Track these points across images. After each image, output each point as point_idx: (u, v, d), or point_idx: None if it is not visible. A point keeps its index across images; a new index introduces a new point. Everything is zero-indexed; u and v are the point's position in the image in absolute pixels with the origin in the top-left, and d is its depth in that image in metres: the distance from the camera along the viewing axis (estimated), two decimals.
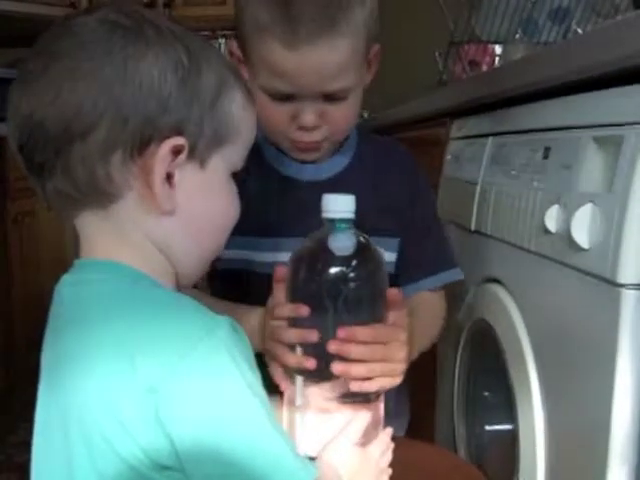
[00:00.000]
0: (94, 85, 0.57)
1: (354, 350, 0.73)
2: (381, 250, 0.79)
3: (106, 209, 0.61)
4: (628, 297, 0.73)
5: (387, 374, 0.76)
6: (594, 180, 0.81)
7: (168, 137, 0.59)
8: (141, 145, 0.59)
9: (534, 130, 1.01)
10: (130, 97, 0.58)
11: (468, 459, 1.22)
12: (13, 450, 2.16)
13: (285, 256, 0.78)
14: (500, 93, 1.13)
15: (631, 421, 0.74)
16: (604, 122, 0.81)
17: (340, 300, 0.72)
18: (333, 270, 0.72)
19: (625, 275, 0.73)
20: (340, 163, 0.96)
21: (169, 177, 0.61)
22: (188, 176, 0.62)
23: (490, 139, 1.17)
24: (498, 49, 1.79)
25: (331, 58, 0.81)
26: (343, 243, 0.73)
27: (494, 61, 1.80)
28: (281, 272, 0.77)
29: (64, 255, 2.92)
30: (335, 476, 0.66)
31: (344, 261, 0.73)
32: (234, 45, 0.90)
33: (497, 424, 1.18)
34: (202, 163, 0.62)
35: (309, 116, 0.84)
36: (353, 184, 0.87)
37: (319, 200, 0.75)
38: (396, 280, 0.95)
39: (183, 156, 0.60)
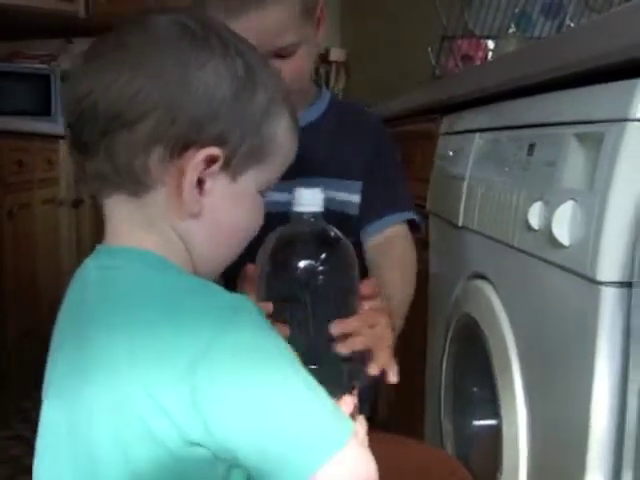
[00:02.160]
0: (153, 80, 0.60)
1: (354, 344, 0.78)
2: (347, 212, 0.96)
3: (139, 197, 0.63)
4: (607, 294, 0.72)
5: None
6: (576, 177, 0.81)
7: (208, 145, 0.62)
8: (182, 147, 0.61)
9: (520, 126, 1.01)
10: (183, 100, 0.60)
11: (455, 455, 1.22)
12: (6, 443, 2.16)
13: (279, 196, 0.85)
14: (487, 89, 1.13)
15: (609, 419, 0.74)
16: (586, 119, 0.81)
17: (311, 292, 0.72)
18: (304, 263, 0.72)
19: (604, 272, 0.72)
20: (312, 115, 1.07)
21: (200, 183, 0.63)
22: (219, 186, 0.64)
23: (478, 135, 1.17)
24: (491, 44, 1.78)
25: (267, 22, 0.90)
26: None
27: (487, 56, 1.79)
28: (250, 270, 0.80)
29: (58, 248, 2.92)
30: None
31: (314, 254, 0.73)
32: None
33: (483, 419, 1.18)
34: (235, 176, 0.65)
35: None
36: (324, 131, 1.04)
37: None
38: (358, 222, 1.07)
39: (216, 167, 0.63)
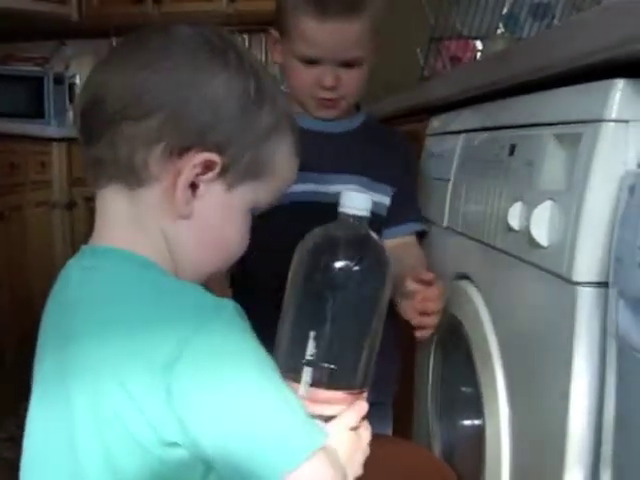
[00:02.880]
0: (165, 81, 0.63)
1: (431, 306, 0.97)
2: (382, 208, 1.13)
3: (133, 190, 0.65)
4: (583, 295, 0.73)
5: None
6: (554, 178, 0.81)
7: (208, 150, 0.63)
8: (182, 148, 0.63)
9: (502, 127, 1.01)
10: (191, 104, 0.63)
11: (442, 455, 1.22)
12: (1, 445, 2.16)
13: (309, 187, 1.07)
14: (469, 90, 1.13)
15: (587, 417, 0.74)
16: (565, 119, 0.81)
17: (341, 293, 0.72)
18: (341, 263, 0.73)
19: (581, 273, 0.73)
20: (350, 125, 1.18)
21: (194, 186, 0.64)
22: (213, 193, 0.66)
23: (462, 136, 1.18)
24: (479, 44, 1.78)
25: (351, 32, 1.03)
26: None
27: (475, 57, 1.79)
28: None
29: (52, 251, 2.92)
30: (336, 458, 0.67)
31: (353, 256, 0.73)
32: (273, 33, 1.12)
33: (469, 419, 1.18)
34: (230, 187, 0.66)
35: (329, 78, 1.06)
36: (360, 140, 1.16)
37: (332, 144, 1.12)
38: (383, 222, 1.17)
39: (213, 173, 0.64)
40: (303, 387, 0.72)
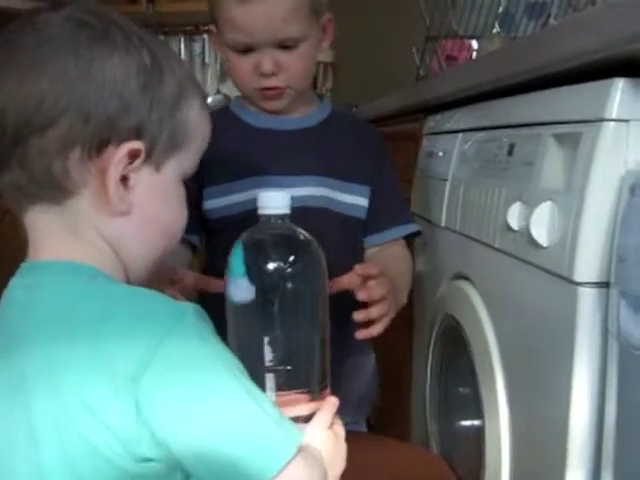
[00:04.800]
0: (58, 81, 0.58)
1: (377, 291, 0.86)
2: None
3: (61, 205, 0.61)
4: (585, 295, 0.73)
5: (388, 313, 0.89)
6: (554, 177, 0.81)
7: (127, 140, 0.60)
8: (100, 145, 0.59)
9: (501, 127, 1.01)
10: (93, 96, 0.58)
11: (440, 454, 1.22)
12: None
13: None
14: (466, 89, 1.13)
15: (588, 418, 0.74)
16: (564, 119, 0.81)
17: (281, 295, 0.72)
18: (272, 265, 0.72)
19: (582, 273, 0.73)
20: (312, 121, 1.09)
21: (125, 179, 0.61)
22: (143, 179, 0.63)
23: (460, 135, 1.17)
24: (475, 44, 1.78)
25: (276, 10, 0.95)
26: (242, 291, 0.73)
27: (471, 56, 1.79)
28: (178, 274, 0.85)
29: None
30: (320, 458, 0.67)
31: (283, 256, 0.73)
32: (211, 29, 1.05)
33: (468, 419, 1.18)
34: (158, 167, 0.63)
35: (267, 63, 0.98)
36: (325, 136, 1.06)
37: (293, 143, 1.02)
38: (364, 226, 1.09)
39: (140, 160, 0.61)
40: (269, 393, 0.72)
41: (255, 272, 0.72)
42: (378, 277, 0.88)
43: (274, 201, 0.74)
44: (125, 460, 0.56)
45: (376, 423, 1.26)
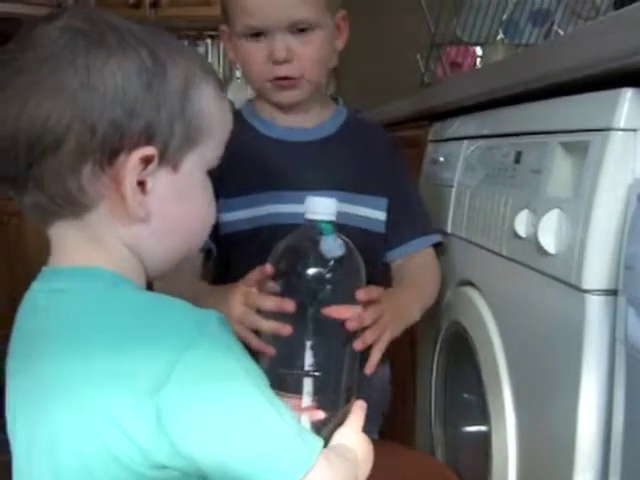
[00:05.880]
0: (59, 97, 0.57)
1: (368, 315, 0.83)
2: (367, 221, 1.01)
3: (81, 219, 0.61)
4: (593, 302, 0.73)
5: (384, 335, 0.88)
6: (562, 185, 0.81)
7: (137, 146, 0.59)
8: (110, 155, 0.58)
9: (507, 134, 1.01)
10: (96, 105, 0.57)
11: (445, 461, 1.22)
12: None
13: (288, 207, 0.96)
14: (473, 97, 1.13)
15: (596, 426, 0.74)
16: (572, 128, 0.81)
17: (319, 301, 0.72)
18: (316, 270, 0.73)
19: (590, 281, 0.73)
20: (329, 129, 1.07)
21: (141, 184, 0.60)
22: (161, 181, 0.61)
23: (466, 142, 1.18)
24: (479, 51, 1.79)
25: None
26: (333, 246, 0.74)
27: (475, 63, 1.80)
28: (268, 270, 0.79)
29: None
30: (354, 459, 0.68)
31: (327, 262, 0.73)
32: (222, 27, 1.03)
33: (473, 426, 1.18)
34: (175, 166, 0.62)
35: (279, 49, 0.96)
36: (341, 146, 1.05)
37: (310, 156, 1.00)
38: (385, 240, 1.07)
39: (154, 164, 0.60)
40: (307, 398, 0.73)
41: (296, 277, 0.73)
42: (381, 299, 0.86)
43: (320, 206, 0.74)
44: (143, 466, 0.56)
45: (381, 429, 1.26)
